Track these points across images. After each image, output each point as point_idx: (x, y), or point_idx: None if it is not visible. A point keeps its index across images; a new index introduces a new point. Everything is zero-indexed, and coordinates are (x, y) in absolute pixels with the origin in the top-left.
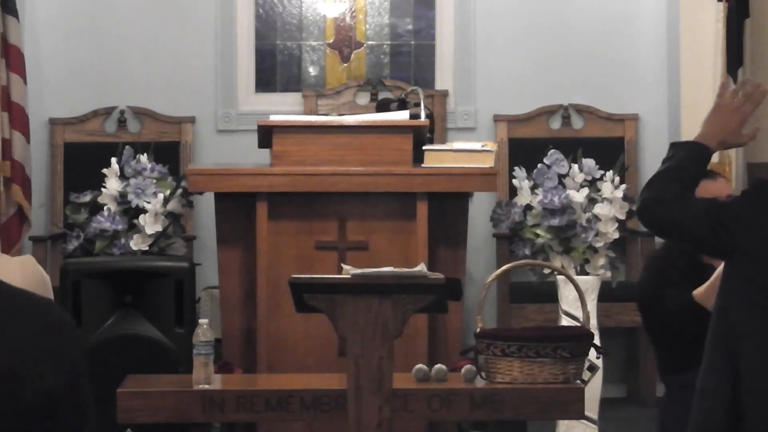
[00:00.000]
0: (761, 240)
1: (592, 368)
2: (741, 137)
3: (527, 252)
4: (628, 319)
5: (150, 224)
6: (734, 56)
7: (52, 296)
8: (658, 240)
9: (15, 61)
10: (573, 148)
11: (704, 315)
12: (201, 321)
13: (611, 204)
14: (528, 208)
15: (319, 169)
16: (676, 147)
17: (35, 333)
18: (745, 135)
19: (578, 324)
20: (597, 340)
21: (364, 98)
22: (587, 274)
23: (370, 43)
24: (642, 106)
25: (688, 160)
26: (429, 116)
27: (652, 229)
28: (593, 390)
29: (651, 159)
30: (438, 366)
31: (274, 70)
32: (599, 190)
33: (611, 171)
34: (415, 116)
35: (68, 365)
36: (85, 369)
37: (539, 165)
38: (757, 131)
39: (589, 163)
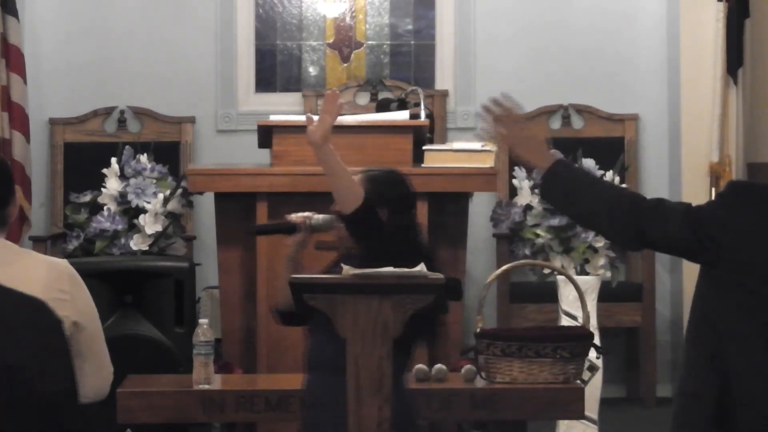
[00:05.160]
0: (747, 244)
1: (592, 368)
2: (530, 141)
3: (527, 252)
4: (628, 319)
5: (150, 224)
6: (734, 56)
7: (87, 298)
8: None
9: (15, 61)
10: (573, 148)
11: None
12: (201, 321)
13: None
14: (528, 208)
15: (319, 169)
16: (553, 176)
17: (36, 332)
18: (526, 137)
19: (578, 324)
20: (597, 340)
21: (364, 98)
22: (587, 274)
23: (370, 43)
24: (642, 106)
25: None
26: (429, 116)
27: (635, 247)
28: (593, 390)
29: (651, 159)
30: (438, 366)
31: (274, 70)
32: None
33: (611, 171)
34: (415, 116)
35: (69, 366)
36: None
37: None
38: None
39: (589, 163)
